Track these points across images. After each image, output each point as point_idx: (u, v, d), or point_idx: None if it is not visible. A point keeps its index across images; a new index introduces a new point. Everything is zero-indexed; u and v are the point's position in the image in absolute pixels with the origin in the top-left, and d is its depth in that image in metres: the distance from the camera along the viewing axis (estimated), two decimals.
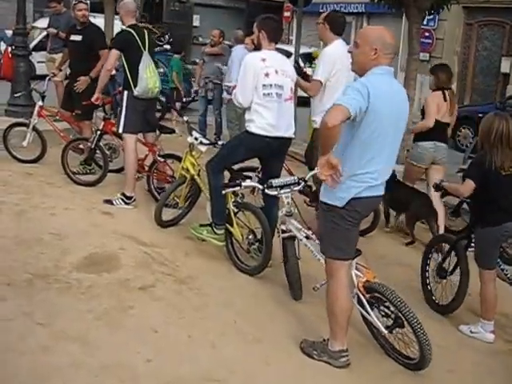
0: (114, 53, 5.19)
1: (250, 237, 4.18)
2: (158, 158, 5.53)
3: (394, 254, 4.96)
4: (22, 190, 5.43)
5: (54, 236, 4.44)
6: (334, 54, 4.60)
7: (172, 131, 5.78)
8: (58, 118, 6.40)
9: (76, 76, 6.00)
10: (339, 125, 2.68)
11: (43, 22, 12.01)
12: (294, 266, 3.74)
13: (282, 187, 3.65)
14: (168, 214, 4.90)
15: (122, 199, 5.26)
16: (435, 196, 5.03)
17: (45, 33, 10.56)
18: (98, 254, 4.22)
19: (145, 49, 5.19)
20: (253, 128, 4.10)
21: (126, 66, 5.18)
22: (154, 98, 5.40)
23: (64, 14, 7.91)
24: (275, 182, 3.62)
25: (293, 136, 4.30)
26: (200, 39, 23.02)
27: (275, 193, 3.66)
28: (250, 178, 4.74)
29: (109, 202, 5.26)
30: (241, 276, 4.17)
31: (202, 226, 4.46)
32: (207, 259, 4.38)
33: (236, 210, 4.28)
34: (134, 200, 5.31)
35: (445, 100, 5.18)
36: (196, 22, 24.78)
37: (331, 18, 4.75)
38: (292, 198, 3.71)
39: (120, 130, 5.24)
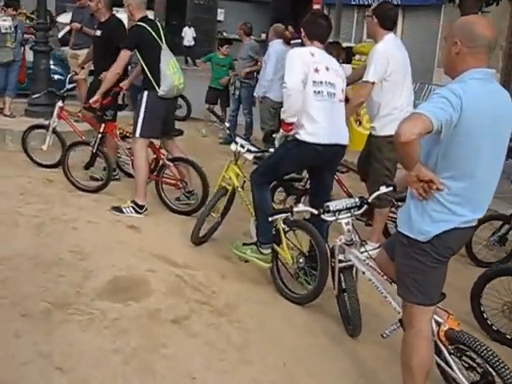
0: (125, 54, 4.71)
1: (301, 260, 3.63)
2: (167, 162, 5.05)
3: (460, 280, 4.33)
4: (42, 199, 5.03)
5: (76, 254, 4.00)
6: (387, 52, 4.06)
7: (180, 133, 5.28)
8: (79, 119, 5.97)
9: (98, 73, 5.55)
10: (416, 139, 2.10)
11: (65, 17, 11.66)
12: (353, 298, 3.19)
13: (340, 211, 3.09)
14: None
15: (133, 207, 4.79)
16: None
17: (68, 28, 10.17)
18: (123, 277, 3.75)
19: (162, 43, 4.69)
20: (302, 135, 3.55)
21: (144, 64, 4.67)
22: (177, 96, 4.93)
23: (88, 7, 7.46)
24: (333, 205, 3.04)
25: (347, 143, 3.72)
26: (225, 34, 22.57)
27: (333, 218, 3.08)
28: (298, 190, 4.19)
29: (117, 209, 4.80)
30: (286, 305, 3.65)
31: (245, 244, 3.92)
32: (247, 283, 3.87)
33: (287, 229, 3.69)
34: (146, 209, 4.84)
35: None
36: (220, 17, 24.33)
37: (380, 11, 4.16)
38: (353, 225, 3.14)
39: (137, 135, 4.73)
